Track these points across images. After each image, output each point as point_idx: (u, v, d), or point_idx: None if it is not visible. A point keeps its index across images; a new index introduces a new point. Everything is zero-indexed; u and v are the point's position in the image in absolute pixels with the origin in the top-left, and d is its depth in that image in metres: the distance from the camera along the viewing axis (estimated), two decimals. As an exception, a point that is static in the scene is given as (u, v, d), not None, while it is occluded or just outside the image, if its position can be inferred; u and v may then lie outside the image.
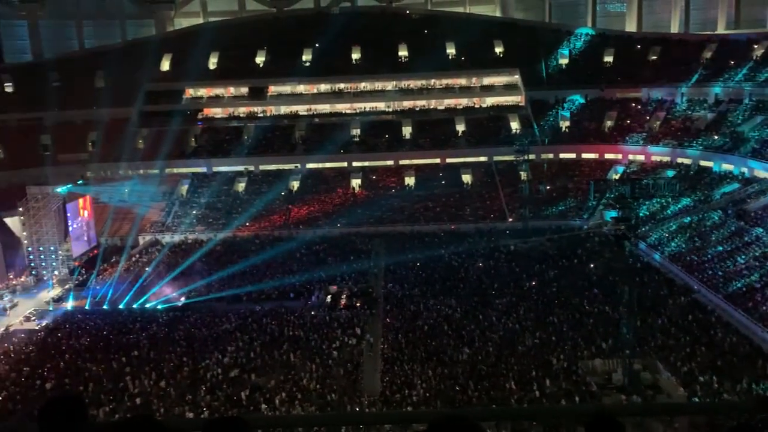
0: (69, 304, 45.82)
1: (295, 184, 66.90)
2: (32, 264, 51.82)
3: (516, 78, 75.40)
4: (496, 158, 67.44)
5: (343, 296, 43.58)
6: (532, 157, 63.08)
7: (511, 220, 59.36)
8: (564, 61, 77.14)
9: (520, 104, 73.94)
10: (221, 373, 32.63)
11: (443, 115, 73.75)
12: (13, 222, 56.32)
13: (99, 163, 68.31)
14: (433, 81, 76.36)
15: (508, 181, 64.24)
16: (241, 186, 67.20)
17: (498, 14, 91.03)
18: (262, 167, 69.11)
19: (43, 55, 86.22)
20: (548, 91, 73.49)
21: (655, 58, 74.52)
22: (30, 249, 51.95)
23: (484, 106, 74.80)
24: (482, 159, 68.34)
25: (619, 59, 75.33)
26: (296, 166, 69.00)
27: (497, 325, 36.95)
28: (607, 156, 66.80)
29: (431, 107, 75.08)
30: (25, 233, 52.51)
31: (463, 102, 75.35)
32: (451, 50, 78.50)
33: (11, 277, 50.88)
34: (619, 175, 62.70)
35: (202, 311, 41.86)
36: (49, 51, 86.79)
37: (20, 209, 52.07)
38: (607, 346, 33.29)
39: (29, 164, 64.91)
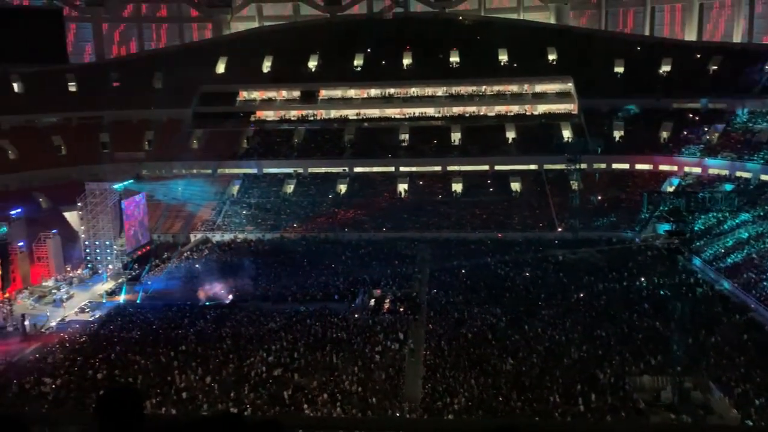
0: (121, 298, 47.24)
1: (343, 188, 67.40)
2: (88, 257, 53.66)
3: (569, 86, 74.24)
4: (547, 167, 66.47)
5: (387, 300, 43.61)
6: (583, 166, 61.87)
7: (560, 230, 58.37)
8: (619, 70, 75.46)
9: (572, 112, 72.75)
10: (265, 371, 33.03)
11: (493, 122, 73.14)
12: (71, 216, 58.47)
13: (154, 161, 70.34)
14: (484, 87, 75.82)
15: (558, 191, 63.21)
16: (289, 188, 68.12)
17: (552, 21, 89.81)
18: (310, 170, 69.90)
19: (105, 56, 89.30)
20: (602, 99, 71.98)
21: (715, 68, 72.16)
22: (87, 243, 53.82)
23: (535, 113, 73.89)
24: (532, 167, 67.47)
25: (676, 68, 73.24)
26: (344, 170, 69.53)
27: (543, 337, 36.28)
28: (662, 168, 65.06)
29: (481, 114, 74.57)
30: (82, 227, 54.43)
31: (514, 109, 74.56)
32: (503, 57, 77.85)
33: (68, 269, 52.76)
34: (673, 187, 60.95)
35: (249, 309, 42.52)
36: (110, 52, 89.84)
37: (79, 204, 54.02)
38: (656, 363, 32.30)
39: (88, 161, 67.33)
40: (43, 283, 49.68)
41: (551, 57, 77.45)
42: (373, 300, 43.87)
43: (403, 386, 31.76)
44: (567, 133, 70.38)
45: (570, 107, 73.22)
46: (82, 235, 54.37)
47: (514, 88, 75.93)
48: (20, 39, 73.48)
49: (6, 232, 44.65)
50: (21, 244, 48.22)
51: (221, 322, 40.26)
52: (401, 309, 42.00)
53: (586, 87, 72.63)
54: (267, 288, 46.77)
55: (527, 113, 74.10)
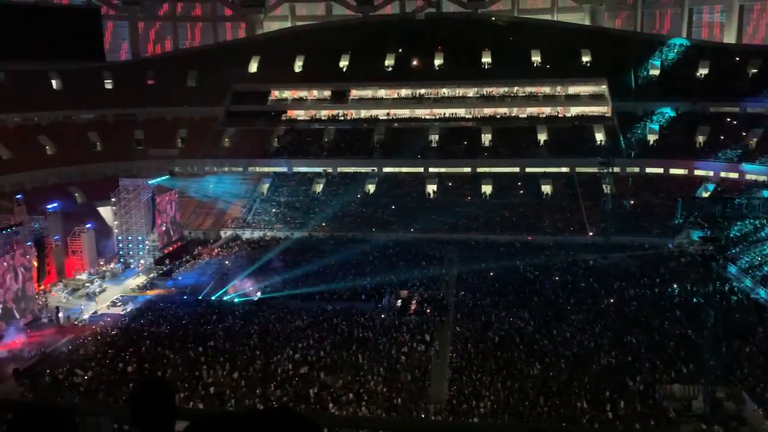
0: (152, 293, 48.00)
1: (371, 187, 67.47)
2: (121, 252, 54.65)
3: (603, 88, 73.20)
4: (579, 170, 65.62)
5: (414, 301, 43.52)
6: (616, 170, 60.86)
7: (591, 234, 57.55)
8: (655, 72, 74.15)
9: (606, 115, 71.72)
10: (291, 369, 33.23)
11: (525, 124, 72.50)
12: (105, 211, 59.62)
13: (186, 159, 71.34)
14: (516, 88, 75.21)
15: (589, 194, 62.30)
16: (318, 187, 68.45)
17: (587, 22, 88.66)
18: (340, 169, 70.13)
19: (140, 54, 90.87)
20: (636, 102, 70.82)
21: (755, 71, 70.42)
22: (120, 237, 54.81)
23: (568, 115, 73.03)
24: (564, 170, 66.69)
25: (714, 72, 71.63)
26: (373, 170, 69.60)
27: (571, 342, 35.83)
28: (697, 172, 63.69)
29: (513, 115, 73.95)
30: (116, 222, 55.45)
31: (546, 111, 73.82)
32: (536, 58, 77.11)
33: (102, 263, 53.79)
34: (709, 192, 59.58)
35: (276, 307, 42.83)
36: (146, 50, 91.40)
37: (113, 200, 55.06)
38: (688, 371, 31.63)
39: (123, 157, 68.64)
40: (77, 277, 50.75)
41: (585, 58, 76.45)
42: (399, 300, 43.83)
43: (428, 388, 31.65)
44: (600, 136, 69.40)
45: (603, 110, 72.20)
46: (116, 230, 55.39)
47: (546, 89, 75.16)
48: (60, 37, 75.24)
49: (45, 225, 45.65)
50: (57, 237, 49.31)
51: (249, 319, 40.63)
52: (428, 310, 41.87)
53: (620, 89, 71.54)
54: (294, 286, 47.03)
55: (559, 115, 73.29)
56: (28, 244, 43.68)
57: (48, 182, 63.38)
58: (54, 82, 76.19)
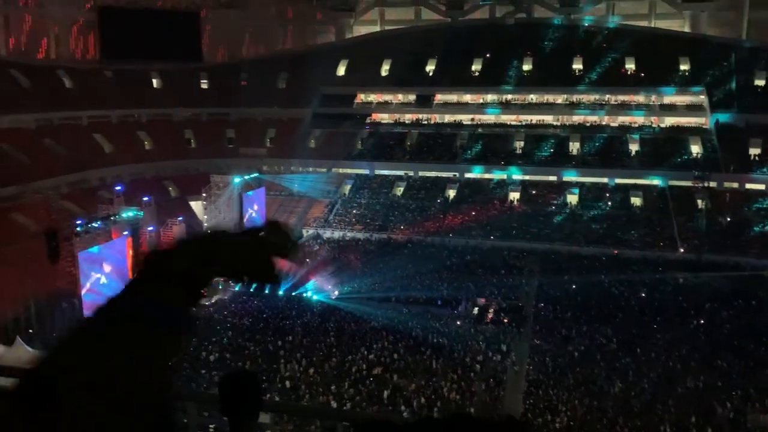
0: (236, 285, 49.64)
1: (452, 193, 67.08)
2: (209, 245, 56.78)
3: (701, 98, 69.62)
4: (672, 183, 62.64)
5: (491, 310, 42.92)
6: (713, 184, 57.81)
7: (682, 250, 54.78)
8: (760, 83, 69.79)
9: (703, 126, 68.15)
10: (365, 369, 33.53)
11: (616, 133, 69.97)
12: (196, 205, 62.37)
13: (274, 158, 73.48)
14: (607, 96, 72.71)
15: (683, 209, 59.33)
16: (399, 190, 68.75)
17: (686, 29, 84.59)
18: (421, 173, 70.15)
19: (235, 56, 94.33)
20: (738, 114, 66.87)
21: None
22: (208, 231, 57.00)
23: (662, 126, 69.92)
24: (655, 182, 63.87)
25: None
26: (454, 175, 69.16)
27: (656, 362, 34.29)
28: (804, 190, 59.47)
29: (603, 123, 71.54)
30: (205, 216, 57.82)
31: (639, 120, 70.96)
32: (630, 65, 74.31)
33: (190, 255, 56.08)
34: (817, 212, 55.49)
35: (353, 306, 43.35)
36: (240, 52, 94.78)
37: (203, 195, 57.45)
38: (785, 403, 29.58)
39: (215, 154, 71.51)
40: (167, 266, 53.17)
41: (683, 67, 72.97)
42: (476, 308, 43.33)
43: (502, 399, 31.13)
44: (696, 148, 66.02)
45: (701, 121, 68.66)
46: (205, 224, 57.71)
47: (640, 98, 72.23)
48: (162, 39, 79.38)
49: (141, 216, 48.22)
50: (150, 228, 51.94)
51: (326, 317, 41.36)
52: (505, 320, 41.19)
53: (720, 100, 67.82)
54: (371, 287, 47.45)
55: (653, 125, 70.28)
56: (125, 233, 46.22)
57: (145, 175, 66.98)
58: (154, 81, 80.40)
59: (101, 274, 42.36)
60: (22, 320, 39.16)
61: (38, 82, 69.11)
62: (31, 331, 37.96)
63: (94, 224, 42.65)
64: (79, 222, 42.53)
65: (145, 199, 51.80)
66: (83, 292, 40.58)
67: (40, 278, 42.99)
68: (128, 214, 46.82)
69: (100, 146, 68.50)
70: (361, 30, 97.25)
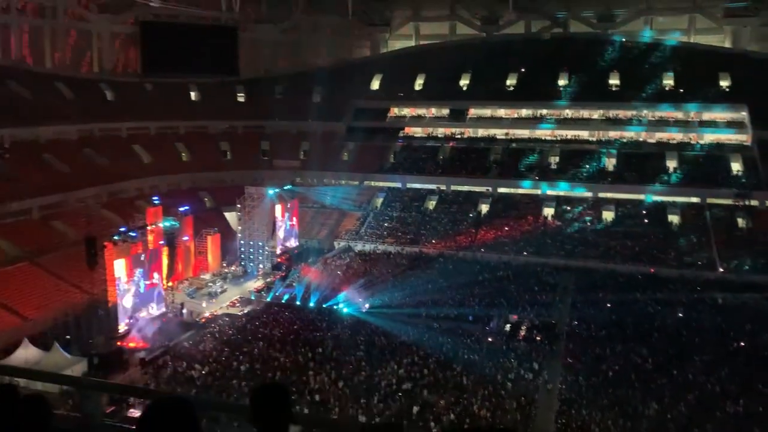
0: (268, 297, 50.06)
1: (485, 207, 66.63)
2: (242, 256, 57.54)
3: (743, 115, 68.07)
4: (711, 201, 61.22)
5: (523, 327, 42.32)
6: (754, 203, 56.28)
7: (721, 270, 53.33)
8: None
9: (745, 143, 66.56)
10: (395, 383, 33.33)
11: (653, 149, 68.77)
12: (231, 216, 63.30)
13: (308, 170, 74.11)
14: (645, 112, 71.61)
15: (722, 228, 57.86)
16: (431, 204, 68.58)
17: (727, 45, 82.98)
18: (453, 187, 69.91)
19: (271, 69, 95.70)
20: (781, 131, 65.14)
21: None
22: (242, 242, 57.76)
23: (702, 143, 68.47)
24: (694, 200, 62.46)
25: None
26: (487, 189, 68.71)
27: (693, 384, 33.35)
28: None
29: (640, 140, 70.37)
30: (239, 227, 58.54)
31: (677, 137, 69.61)
32: (668, 81, 73.15)
33: (224, 265, 56.93)
34: None
35: (383, 320, 43.20)
36: (276, 66, 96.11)
37: (238, 206, 58.21)
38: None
39: (250, 166, 72.50)
40: (201, 276, 54.01)
41: (724, 83, 71.50)
42: (508, 325, 42.79)
43: (534, 417, 30.59)
44: (737, 166, 64.45)
45: (743, 138, 67.07)
46: (239, 235, 58.43)
47: (679, 114, 70.95)
48: (200, 52, 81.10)
49: (177, 226, 49.03)
50: (186, 238, 52.78)
51: (357, 330, 41.30)
52: (538, 338, 40.56)
53: (763, 117, 66.15)
54: (402, 301, 47.25)
55: (692, 142, 68.86)
56: (161, 243, 47.03)
57: (181, 186, 68.23)
58: (192, 94, 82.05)
59: (137, 283, 43.14)
60: (60, 326, 40.06)
61: (81, 94, 71.19)
62: (68, 337, 38.76)
63: (131, 233, 43.52)
64: (122, 230, 43.49)
65: (181, 209, 52.70)
66: (119, 300, 41.40)
67: (79, 285, 44.02)
68: (165, 224, 47.68)
69: (139, 157, 70.06)
70: (396, 44, 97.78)
